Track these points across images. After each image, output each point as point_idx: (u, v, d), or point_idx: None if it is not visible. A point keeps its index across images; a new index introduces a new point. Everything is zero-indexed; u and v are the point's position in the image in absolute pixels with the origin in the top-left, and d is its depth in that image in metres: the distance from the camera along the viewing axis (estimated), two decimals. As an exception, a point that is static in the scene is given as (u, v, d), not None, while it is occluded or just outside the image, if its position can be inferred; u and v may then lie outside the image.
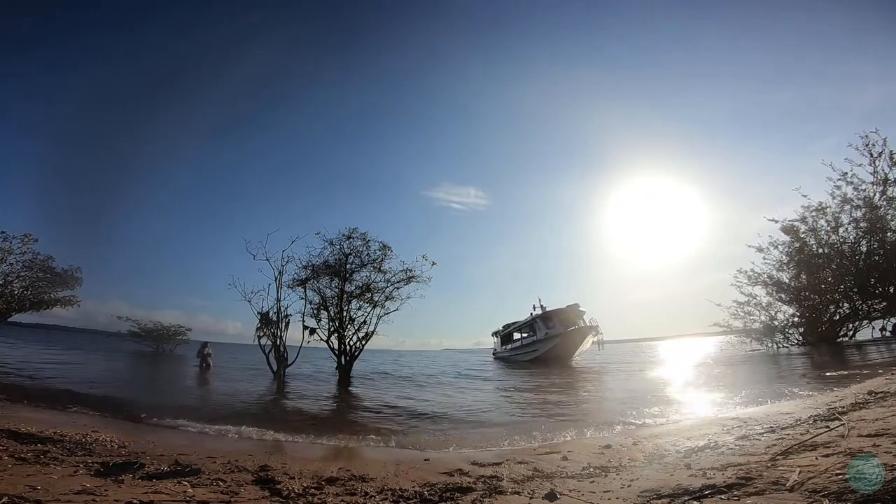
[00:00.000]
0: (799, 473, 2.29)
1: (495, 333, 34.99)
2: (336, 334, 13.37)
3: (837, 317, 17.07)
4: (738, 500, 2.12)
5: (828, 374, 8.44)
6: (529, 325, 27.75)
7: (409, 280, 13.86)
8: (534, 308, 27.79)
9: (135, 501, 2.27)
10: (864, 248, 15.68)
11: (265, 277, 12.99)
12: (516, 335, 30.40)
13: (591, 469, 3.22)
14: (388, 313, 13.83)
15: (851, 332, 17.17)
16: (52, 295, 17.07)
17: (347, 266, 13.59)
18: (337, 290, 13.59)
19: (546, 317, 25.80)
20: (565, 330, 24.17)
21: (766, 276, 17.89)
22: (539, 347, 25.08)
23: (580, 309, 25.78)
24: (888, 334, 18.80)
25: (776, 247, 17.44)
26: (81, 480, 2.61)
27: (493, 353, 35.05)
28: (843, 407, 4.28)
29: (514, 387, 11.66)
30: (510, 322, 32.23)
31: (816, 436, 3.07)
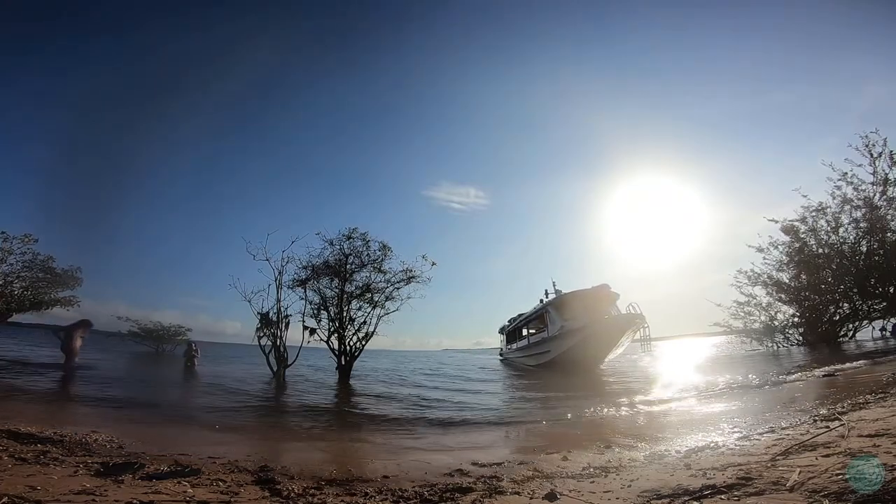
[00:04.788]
0: (799, 473, 2.29)
1: (501, 330, 30.13)
2: (336, 334, 13.35)
3: (837, 317, 17.08)
4: (738, 500, 2.12)
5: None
6: (539, 317, 20.70)
7: (409, 280, 13.84)
8: (546, 294, 20.28)
9: (135, 501, 2.27)
10: (864, 249, 15.68)
11: (265, 277, 12.97)
12: (524, 331, 23.80)
13: (591, 469, 3.21)
14: (388, 313, 13.81)
15: (851, 333, 17.18)
16: (52, 295, 17.06)
17: (347, 266, 13.58)
18: (337, 291, 13.58)
19: (561, 304, 18.45)
20: (590, 321, 16.72)
21: (766, 276, 17.92)
22: (552, 347, 18.21)
23: (612, 291, 18.19)
24: (888, 334, 18.81)
25: (776, 247, 17.46)
26: (81, 480, 2.61)
27: (500, 354, 31.20)
28: (843, 407, 4.28)
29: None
30: (517, 314, 25.93)
31: (816, 436, 3.07)
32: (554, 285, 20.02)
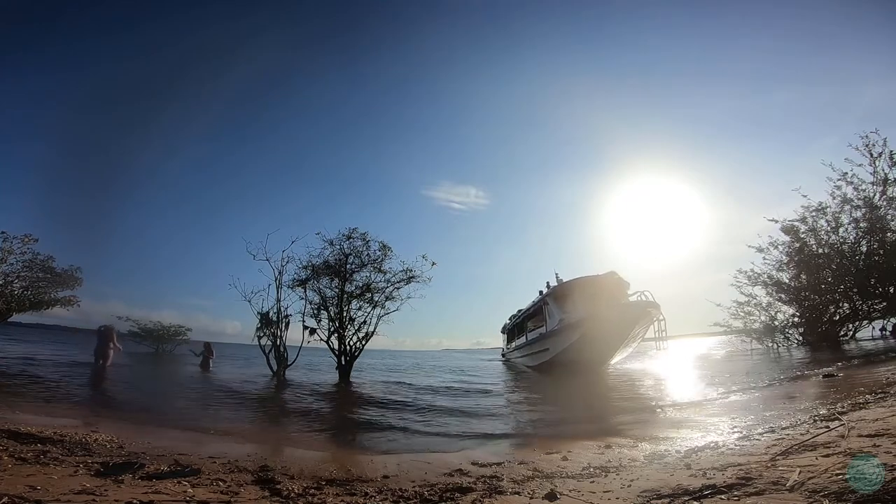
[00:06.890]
0: (799, 473, 2.29)
1: (503, 329, 28.36)
2: (336, 334, 13.36)
3: (837, 317, 17.07)
4: (738, 500, 2.12)
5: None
6: (538, 311, 18.03)
7: (409, 280, 13.84)
8: (547, 286, 17.44)
9: (135, 501, 2.27)
10: (864, 249, 15.66)
11: (265, 277, 13.00)
12: (525, 328, 21.08)
13: (591, 469, 3.21)
14: (388, 313, 13.81)
15: (851, 333, 17.19)
16: (52, 295, 17.06)
17: (347, 266, 13.58)
18: (337, 291, 13.58)
19: (561, 294, 15.69)
20: (594, 312, 13.90)
21: (766, 276, 17.90)
22: (551, 345, 15.64)
23: (622, 279, 15.45)
24: (888, 334, 18.81)
25: (776, 247, 17.43)
26: (81, 480, 2.61)
27: (502, 354, 29.62)
28: (843, 407, 4.28)
29: None
30: (517, 311, 23.24)
31: (816, 436, 3.07)
32: (557, 276, 17.17)
